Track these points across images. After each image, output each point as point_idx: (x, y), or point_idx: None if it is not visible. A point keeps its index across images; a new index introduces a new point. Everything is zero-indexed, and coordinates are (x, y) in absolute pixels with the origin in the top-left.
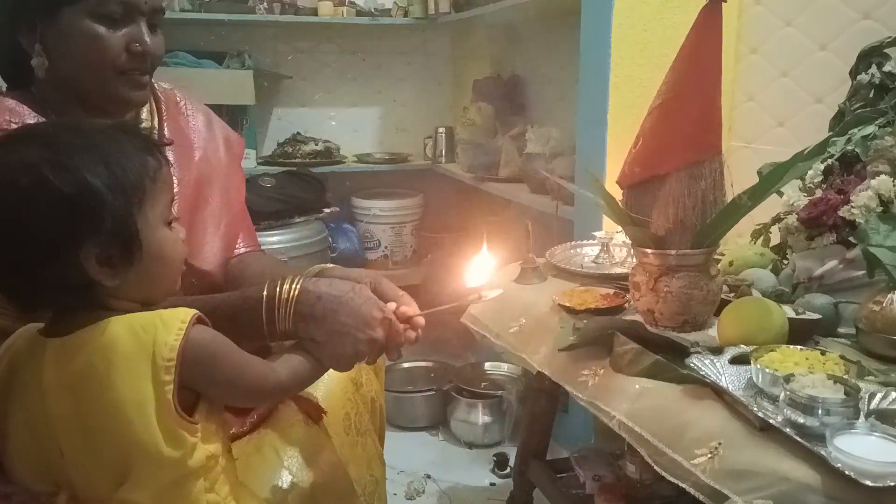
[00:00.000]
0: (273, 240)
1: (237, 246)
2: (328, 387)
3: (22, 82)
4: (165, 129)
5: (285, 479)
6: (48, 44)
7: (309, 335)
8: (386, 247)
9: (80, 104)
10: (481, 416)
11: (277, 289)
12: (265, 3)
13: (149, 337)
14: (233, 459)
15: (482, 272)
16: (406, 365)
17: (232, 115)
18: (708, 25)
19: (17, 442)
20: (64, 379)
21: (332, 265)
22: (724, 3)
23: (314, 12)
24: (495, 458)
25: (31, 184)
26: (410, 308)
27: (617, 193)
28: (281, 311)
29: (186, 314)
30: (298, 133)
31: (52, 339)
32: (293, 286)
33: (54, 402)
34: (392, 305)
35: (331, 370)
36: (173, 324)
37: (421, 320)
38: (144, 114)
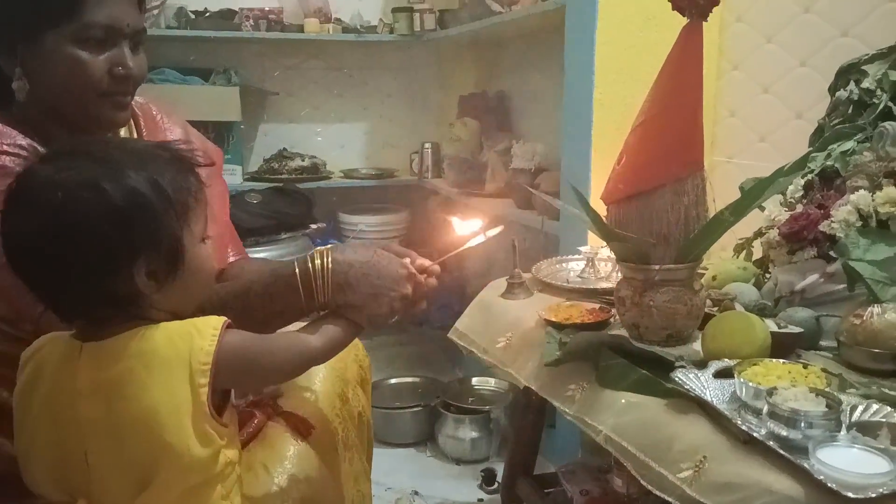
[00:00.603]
0: (260, 256)
1: (227, 256)
2: (316, 403)
3: (2, 103)
4: None
5: (275, 496)
6: (29, 67)
7: (346, 302)
8: None
9: (63, 125)
10: (469, 432)
11: (310, 264)
12: (251, 20)
13: (185, 344)
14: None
15: (473, 222)
16: (393, 381)
17: (218, 131)
18: (689, 43)
19: (38, 447)
20: (100, 382)
21: (337, 243)
22: (705, 21)
23: (300, 29)
24: (483, 474)
25: (90, 199)
26: (424, 260)
27: (602, 209)
28: (318, 283)
29: (218, 321)
30: (285, 149)
31: (89, 344)
32: (325, 259)
33: (87, 405)
34: (408, 259)
35: (316, 385)
36: (207, 331)
37: (436, 268)
38: (123, 131)
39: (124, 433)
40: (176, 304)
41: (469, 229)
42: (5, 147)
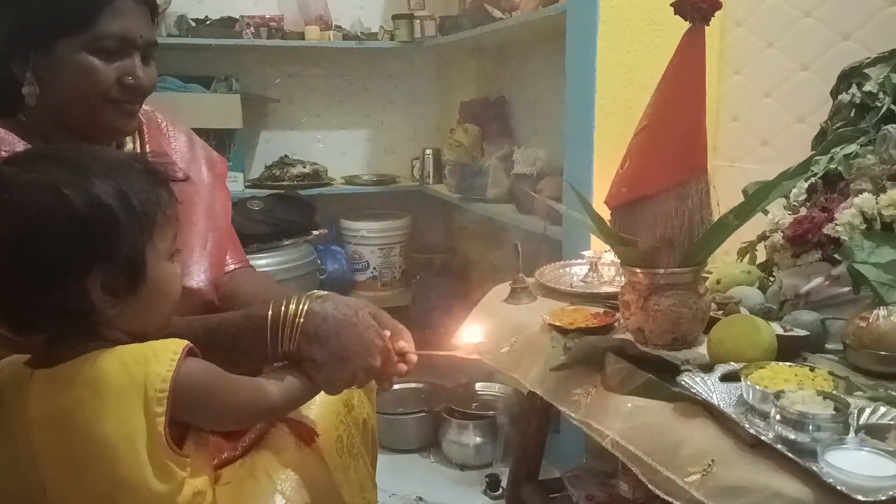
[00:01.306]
0: (262, 262)
1: (227, 263)
2: (320, 409)
3: (8, 110)
4: (148, 150)
5: (279, 503)
6: (40, 73)
7: (310, 356)
8: (374, 268)
9: (69, 132)
10: (473, 437)
11: (283, 308)
12: (252, 28)
13: (140, 369)
14: (216, 491)
15: (475, 333)
16: (397, 386)
17: (219, 138)
18: (691, 47)
19: (2, 478)
20: (51, 412)
21: (326, 293)
22: (706, 26)
23: (301, 37)
24: (487, 480)
25: (49, 203)
26: (406, 344)
27: (605, 213)
28: (286, 331)
29: (178, 345)
30: (286, 156)
31: (39, 371)
32: (300, 306)
33: (40, 435)
34: (388, 333)
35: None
36: (165, 355)
37: (413, 357)
38: (127, 139)
39: (80, 465)
40: (136, 324)
41: (462, 339)
42: (3, 153)
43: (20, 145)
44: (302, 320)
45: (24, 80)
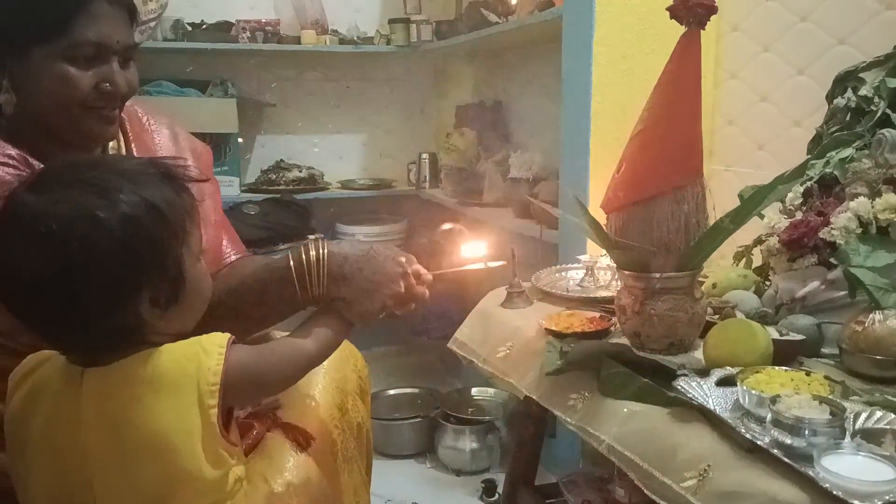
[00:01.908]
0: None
1: (226, 255)
2: (315, 414)
3: None
4: (133, 149)
5: None
6: (16, 80)
7: (339, 295)
8: None
9: (51, 138)
10: (469, 443)
11: (304, 255)
12: (248, 32)
13: (192, 365)
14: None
15: (478, 245)
16: (392, 392)
17: (215, 143)
18: (688, 51)
19: (38, 476)
20: (105, 411)
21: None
22: (703, 29)
23: (297, 41)
24: (483, 485)
25: (89, 232)
26: (421, 267)
27: (601, 217)
28: (313, 277)
29: (223, 339)
30: (282, 160)
31: (91, 370)
32: (321, 251)
33: (92, 434)
34: (404, 259)
35: (315, 396)
36: (213, 350)
37: (429, 277)
38: (111, 143)
39: (134, 461)
40: (177, 325)
41: (473, 252)
42: None
43: (10, 149)
44: (326, 262)
45: (0, 87)
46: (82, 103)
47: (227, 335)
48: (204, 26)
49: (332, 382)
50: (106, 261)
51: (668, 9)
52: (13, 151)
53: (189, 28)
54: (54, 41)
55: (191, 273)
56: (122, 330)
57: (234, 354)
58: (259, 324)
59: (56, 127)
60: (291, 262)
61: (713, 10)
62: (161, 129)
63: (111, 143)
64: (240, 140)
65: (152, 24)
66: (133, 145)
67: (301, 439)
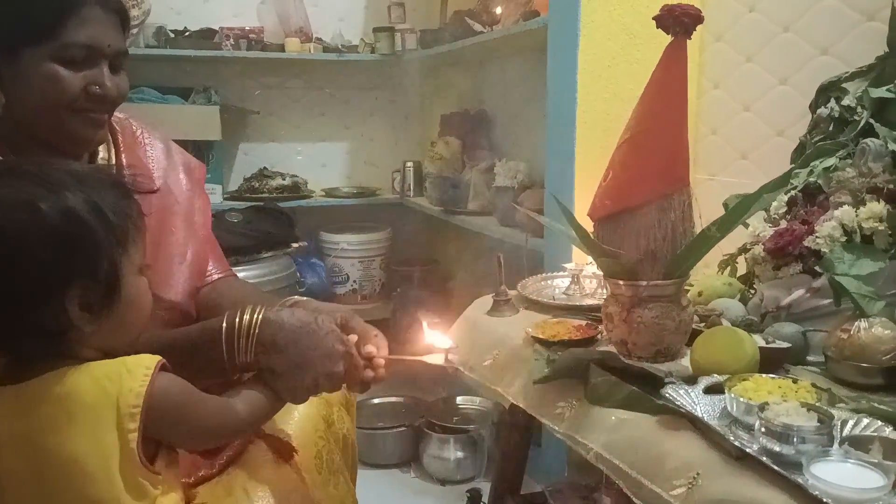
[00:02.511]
0: (240, 275)
1: (208, 273)
2: (299, 425)
3: None
4: (123, 159)
5: None
6: (5, 81)
7: (269, 366)
8: (354, 281)
9: (37, 142)
10: (454, 452)
11: (237, 319)
12: (231, 40)
13: (113, 385)
14: None
15: (444, 336)
16: (376, 401)
17: (198, 150)
18: (674, 60)
19: None
20: (18, 431)
21: (305, 298)
22: (689, 39)
23: (281, 48)
24: (469, 495)
25: (25, 219)
26: (374, 349)
27: (587, 225)
28: (241, 342)
29: (151, 360)
30: (265, 168)
31: (5, 388)
32: (255, 316)
33: (6, 455)
34: (354, 338)
35: (299, 407)
36: (138, 370)
37: (381, 361)
38: (101, 149)
39: (48, 487)
40: (109, 340)
41: (432, 342)
42: None
43: None
44: (257, 330)
45: None
46: (70, 105)
47: (158, 357)
48: (187, 33)
49: None
50: (38, 248)
51: (654, 18)
52: None
53: (172, 35)
54: (45, 43)
55: (128, 283)
56: (47, 332)
57: (161, 380)
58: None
59: (43, 129)
60: (224, 325)
61: (699, 19)
62: (154, 142)
63: (101, 154)
64: (222, 147)
65: (134, 30)
66: (123, 156)
67: (284, 451)
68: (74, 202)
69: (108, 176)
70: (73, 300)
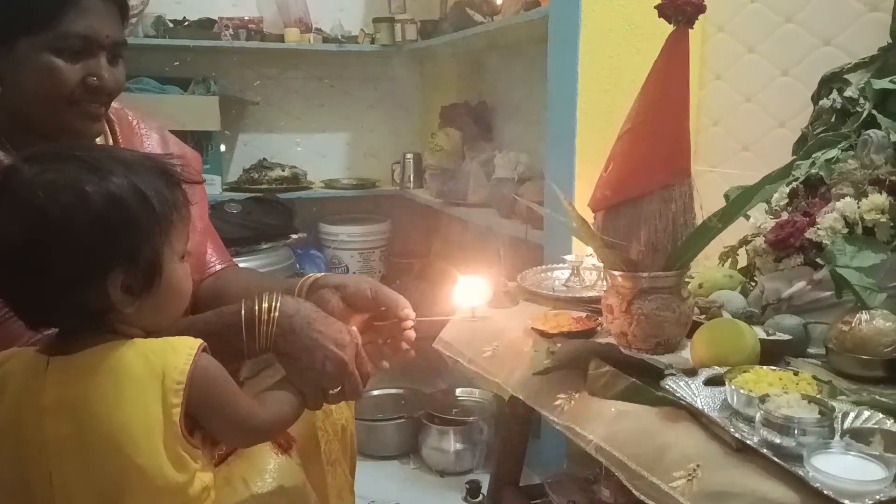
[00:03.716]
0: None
1: (210, 264)
2: None
3: None
4: None
5: None
6: (1, 72)
7: (285, 350)
8: (354, 272)
9: (34, 134)
10: (453, 444)
11: (257, 305)
12: (231, 30)
13: (159, 360)
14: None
15: (473, 293)
16: (376, 392)
17: (197, 140)
18: (676, 50)
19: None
20: (67, 399)
21: (324, 273)
22: (691, 28)
23: (280, 39)
24: (468, 486)
25: (72, 202)
26: (412, 312)
27: (587, 217)
28: (262, 328)
29: (194, 342)
30: (265, 159)
31: (56, 358)
32: (274, 302)
33: (53, 422)
34: (355, 331)
35: None
36: (183, 349)
37: (412, 333)
38: (98, 138)
39: (93, 453)
40: (148, 322)
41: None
42: None
43: None
44: (276, 314)
45: None
46: (68, 98)
47: (200, 341)
48: (186, 23)
49: None
50: (83, 232)
51: (656, 7)
52: None
53: (171, 25)
54: (42, 33)
55: (169, 269)
56: (89, 311)
57: (204, 361)
58: None
59: (39, 122)
60: (243, 311)
61: (701, 8)
62: (151, 133)
63: (98, 142)
64: (221, 137)
65: (133, 20)
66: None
67: (282, 441)
68: (120, 188)
69: (157, 164)
70: (115, 282)
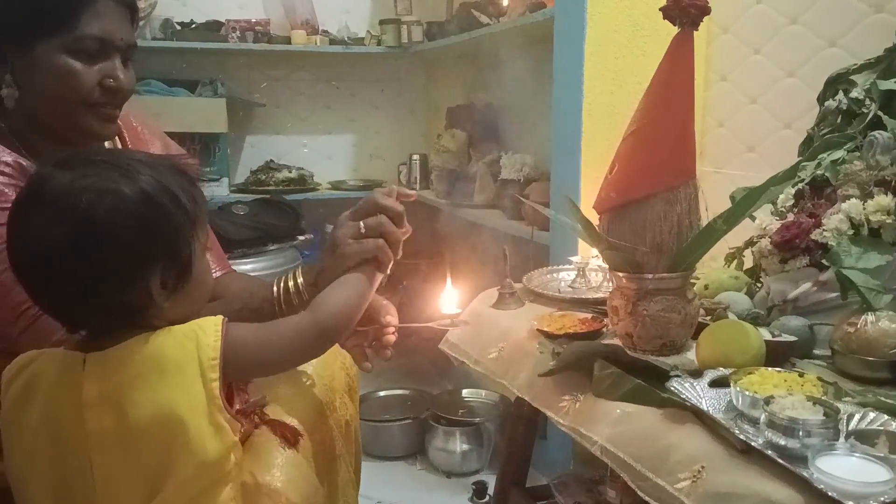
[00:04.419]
0: (247, 268)
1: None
2: (304, 410)
3: None
4: None
5: None
6: (19, 75)
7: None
8: None
9: (49, 137)
10: (459, 444)
11: (284, 284)
12: (238, 32)
13: (192, 343)
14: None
15: (453, 301)
16: (382, 393)
17: (204, 142)
18: (680, 52)
19: (37, 465)
20: (109, 391)
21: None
22: (695, 30)
23: (287, 41)
24: (474, 487)
25: (116, 205)
26: (394, 317)
27: (593, 218)
28: (296, 302)
29: (217, 319)
30: (271, 160)
31: (93, 354)
32: (298, 279)
33: (95, 415)
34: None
35: (304, 393)
36: (210, 328)
37: (392, 329)
38: (108, 144)
39: (136, 440)
40: (179, 314)
41: (445, 309)
42: None
43: (6, 155)
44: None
45: (2, 82)
46: (85, 99)
47: (221, 316)
48: (193, 25)
49: (320, 380)
50: (126, 233)
51: (661, 9)
52: (9, 158)
53: (178, 27)
54: (59, 35)
55: (198, 263)
56: (131, 307)
57: (233, 330)
58: None
59: (56, 125)
60: (274, 290)
61: (706, 10)
62: (154, 139)
63: (108, 146)
64: (228, 139)
65: (141, 22)
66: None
67: (289, 436)
68: (153, 188)
69: (174, 164)
70: (155, 278)
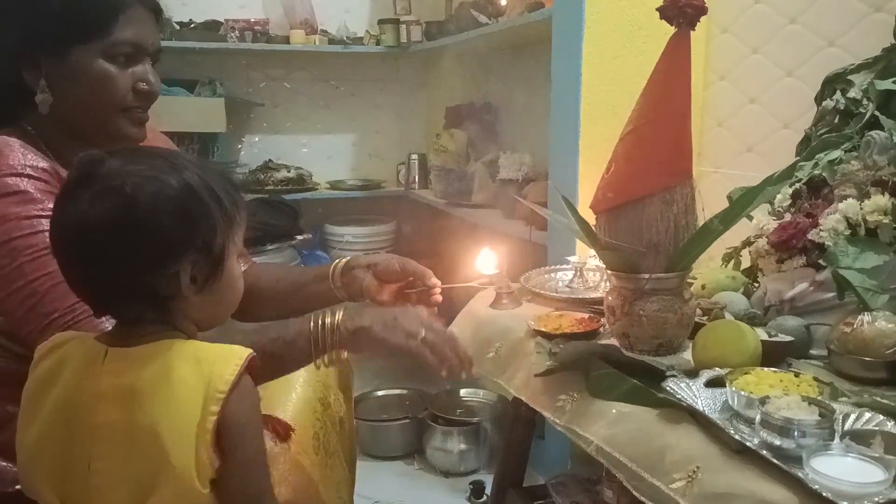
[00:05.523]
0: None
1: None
2: (297, 406)
3: (10, 119)
4: None
5: None
6: (52, 80)
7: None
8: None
9: (78, 141)
10: (457, 444)
11: (321, 320)
12: (237, 32)
13: (207, 367)
14: None
15: (491, 262)
16: (380, 393)
17: (203, 142)
18: (677, 52)
19: (44, 445)
20: (122, 388)
21: (353, 255)
22: (692, 30)
23: (286, 41)
24: (471, 487)
25: (157, 191)
26: (437, 280)
27: (590, 218)
28: (329, 341)
29: (243, 352)
30: (270, 160)
31: (115, 349)
32: (337, 317)
33: (108, 408)
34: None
35: (297, 389)
36: (232, 359)
37: (438, 291)
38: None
39: (134, 443)
40: (205, 315)
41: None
42: (28, 171)
43: (42, 161)
44: (340, 330)
45: (36, 87)
46: (120, 103)
47: (250, 351)
48: (192, 25)
49: (313, 376)
50: (165, 218)
51: (658, 9)
52: (45, 164)
53: (178, 27)
54: (95, 41)
55: (230, 265)
56: (158, 297)
57: (247, 381)
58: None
59: (88, 129)
60: (311, 325)
61: (703, 10)
62: (158, 143)
63: None
64: (227, 139)
65: None
66: None
67: (281, 430)
68: (196, 183)
69: (221, 170)
70: (186, 269)
